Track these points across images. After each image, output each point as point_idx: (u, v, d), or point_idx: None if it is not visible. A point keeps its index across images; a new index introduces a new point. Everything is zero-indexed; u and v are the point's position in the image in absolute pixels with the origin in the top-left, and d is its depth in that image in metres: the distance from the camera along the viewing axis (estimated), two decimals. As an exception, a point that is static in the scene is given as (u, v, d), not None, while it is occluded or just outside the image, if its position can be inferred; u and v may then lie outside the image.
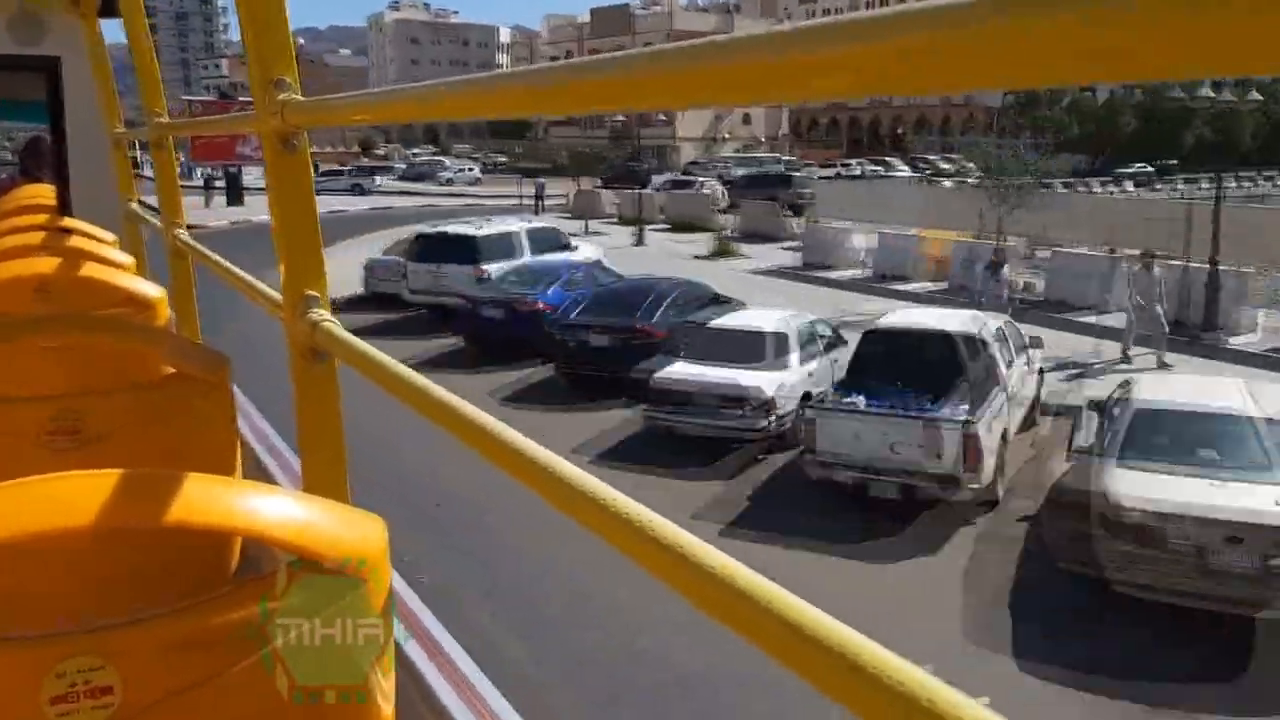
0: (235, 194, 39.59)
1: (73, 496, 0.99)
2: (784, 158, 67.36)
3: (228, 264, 2.20)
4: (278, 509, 1.06)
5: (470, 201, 48.29)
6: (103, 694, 0.92)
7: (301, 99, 1.40)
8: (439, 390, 1.07)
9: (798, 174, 46.66)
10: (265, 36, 1.42)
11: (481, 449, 0.94)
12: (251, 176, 40.13)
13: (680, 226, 32.43)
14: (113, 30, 3.79)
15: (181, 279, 2.92)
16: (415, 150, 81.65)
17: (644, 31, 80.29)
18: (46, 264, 2.39)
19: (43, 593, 1.18)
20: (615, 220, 35.11)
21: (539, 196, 40.15)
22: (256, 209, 39.29)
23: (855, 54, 0.46)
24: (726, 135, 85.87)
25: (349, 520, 1.10)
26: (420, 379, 1.11)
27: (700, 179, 44.84)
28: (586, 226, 32.20)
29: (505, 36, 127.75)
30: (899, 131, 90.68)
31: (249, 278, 2.00)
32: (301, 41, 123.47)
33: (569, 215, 38.67)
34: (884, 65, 0.45)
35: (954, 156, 67.87)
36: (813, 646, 0.55)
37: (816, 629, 0.55)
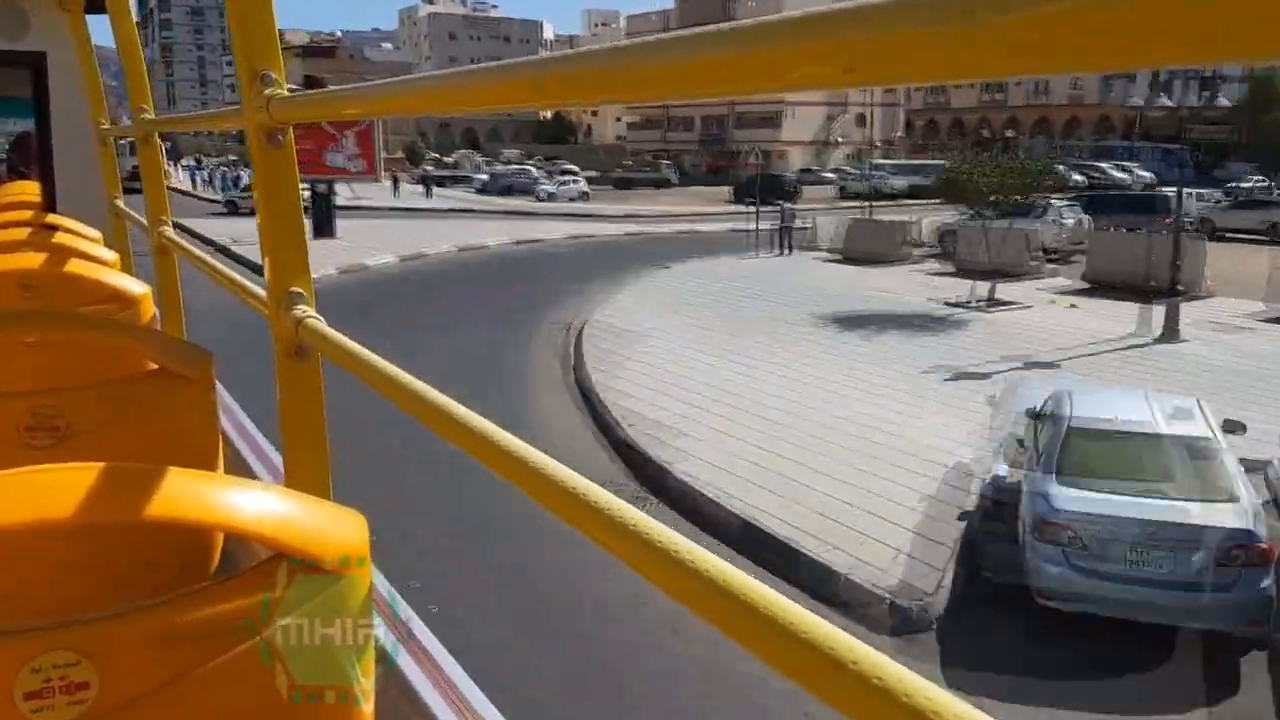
0: (325, 221, 26.99)
1: (50, 490, 0.97)
2: (938, 161, 55.12)
3: (212, 260, 2.23)
4: (258, 504, 1.04)
5: (629, 231, 35.30)
6: (79, 689, 0.90)
7: (287, 94, 1.38)
8: (425, 387, 1.03)
9: (1167, 191, 31.75)
10: (251, 30, 1.40)
11: (469, 448, 0.90)
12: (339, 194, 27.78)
13: (1105, 286, 19.52)
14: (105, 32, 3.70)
15: (166, 276, 2.93)
16: (479, 157, 68.98)
17: (744, 16, 68.21)
18: (31, 260, 2.41)
19: (18, 586, 1.17)
20: (957, 270, 21.90)
21: (786, 229, 27.31)
22: (360, 242, 26.50)
23: (849, 44, 0.44)
24: (840, 139, 74.04)
25: (330, 516, 1.08)
26: (405, 375, 1.07)
27: (1049, 201, 27.13)
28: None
29: (550, 33, 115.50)
30: (1009, 134, 79.50)
31: (234, 274, 1.97)
32: (339, 33, 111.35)
33: (837, 255, 25.95)
34: (886, 54, 0.43)
35: (1129, 165, 55.42)
36: (816, 654, 0.54)
37: (820, 638, 0.54)
